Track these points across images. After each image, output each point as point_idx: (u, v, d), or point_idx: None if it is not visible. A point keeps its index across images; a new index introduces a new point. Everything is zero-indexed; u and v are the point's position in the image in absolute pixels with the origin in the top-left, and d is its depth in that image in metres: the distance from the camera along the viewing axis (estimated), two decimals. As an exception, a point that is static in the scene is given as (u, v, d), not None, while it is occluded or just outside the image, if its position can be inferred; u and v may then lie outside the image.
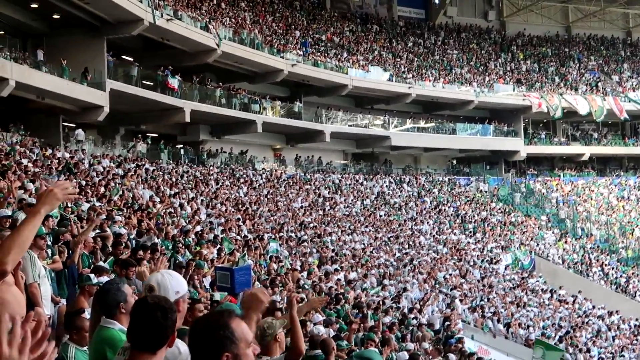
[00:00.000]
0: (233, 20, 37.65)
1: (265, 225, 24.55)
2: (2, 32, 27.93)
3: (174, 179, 26.17)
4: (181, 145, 35.32)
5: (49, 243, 9.23)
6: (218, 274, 6.99)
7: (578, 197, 48.11)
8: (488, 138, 47.73)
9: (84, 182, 18.30)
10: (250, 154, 37.57)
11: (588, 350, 26.47)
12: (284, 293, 13.45)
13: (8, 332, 1.95)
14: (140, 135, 32.07)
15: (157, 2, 29.22)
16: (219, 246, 16.26)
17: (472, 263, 31.91)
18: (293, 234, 24.87)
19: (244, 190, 29.80)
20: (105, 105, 27.54)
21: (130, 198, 18.99)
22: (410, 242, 31.67)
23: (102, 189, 18.34)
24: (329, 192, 35.73)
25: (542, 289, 32.88)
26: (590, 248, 41.75)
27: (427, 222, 36.26)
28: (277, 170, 36.93)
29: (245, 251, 17.07)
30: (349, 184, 38.98)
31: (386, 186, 40.78)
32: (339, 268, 21.42)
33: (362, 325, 13.61)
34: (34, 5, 27.27)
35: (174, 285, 3.58)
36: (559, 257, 39.45)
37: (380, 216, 34.69)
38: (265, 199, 29.52)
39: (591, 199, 48.21)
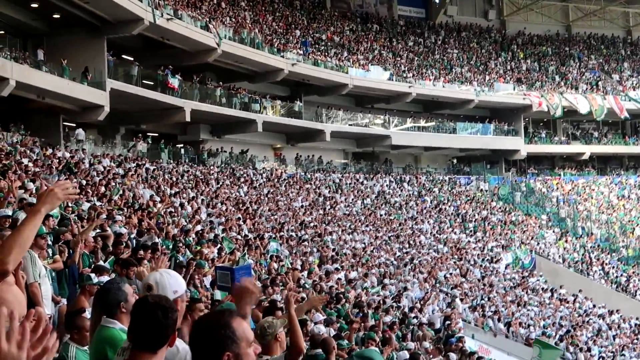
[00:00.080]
0: (233, 19, 37.65)
1: (265, 225, 24.55)
2: (2, 32, 27.93)
3: (174, 179, 26.18)
4: (181, 145, 35.33)
5: (50, 242, 9.23)
6: (218, 274, 7.00)
7: (578, 196, 48.11)
8: (488, 137, 47.71)
9: (84, 182, 18.31)
10: (250, 153, 37.57)
11: (589, 350, 26.48)
12: (285, 292, 13.46)
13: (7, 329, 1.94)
14: (140, 135, 32.07)
15: (157, 1, 29.22)
16: (219, 245, 16.26)
17: (472, 262, 31.91)
18: (293, 233, 24.88)
19: (244, 189, 29.80)
20: (106, 104, 27.53)
21: (130, 197, 18.99)
22: (411, 242, 31.67)
23: (103, 189, 18.35)
24: (329, 192, 35.73)
25: (542, 288, 32.89)
26: (590, 247, 41.75)
27: (428, 222, 36.26)
28: (277, 170, 36.93)
29: (246, 250, 17.07)
30: (350, 183, 38.98)
31: (386, 185, 40.78)
32: (339, 267, 21.42)
33: (362, 324, 13.61)
34: (34, 5, 27.27)
35: (172, 284, 3.57)
36: (559, 256, 39.46)
37: (381, 215, 34.69)
38: (266, 199, 29.53)
39: (591, 198, 48.20)
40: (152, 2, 28.60)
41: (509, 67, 52.67)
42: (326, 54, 42.18)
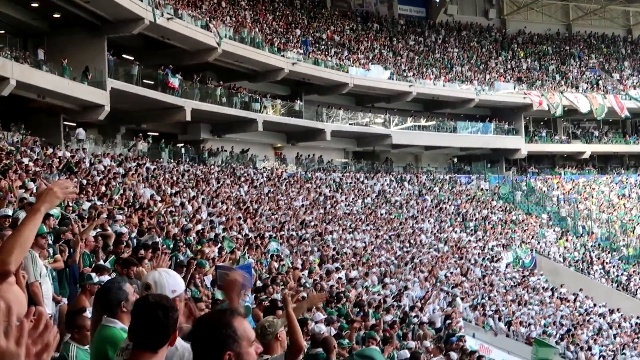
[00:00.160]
0: (233, 19, 37.64)
1: (266, 224, 24.55)
2: (2, 32, 27.92)
3: (174, 178, 26.19)
4: (182, 144, 35.33)
5: (50, 242, 9.23)
6: (219, 273, 7.01)
7: (579, 195, 48.10)
8: (489, 136, 47.69)
9: (84, 181, 18.31)
10: (251, 152, 37.56)
11: (589, 348, 26.49)
12: (286, 292, 13.46)
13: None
14: (141, 134, 32.06)
15: (157, 1, 29.21)
16: (219, 245, 16.27)
17: (473, 261, 31.92)
18: (294, 233, 24.88)
19: (244, 189, 29.81)
20: (106, 104, 27.53)
21: (131, 197, 18.99)
22: (411, 241, 31.67)
23: (103, 188, 18.35)
24: (329, 191, 35.73)
25: (543, 287, 32.90)
26: (591, 246, 41.74)
27: (428, 221, 36.26)
28: (278, 169, 36.94)
29: (246, 250, 17.07)
30: (350, 183, 38.98)
31: (387, 184, 40.78)
32: (340, 266, 21.42)
33: (363, 323, 13.61)
34: (35, 5, 27.26)
35: (171, 283, 3.56)
36: (560, 255, 39.45)
37: (381, 214, 34.69)
38: (266, 198, 29.53)
39: (592, 197, 48.20)
40: (153, 1, 28.60)
41: (509, 66, 52.66)
42: (326, 53, 42.17)
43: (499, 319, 25.72)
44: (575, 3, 58.23)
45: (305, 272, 18.52)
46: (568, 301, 31.88)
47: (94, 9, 27.25)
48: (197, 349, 2.69)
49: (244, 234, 20.61)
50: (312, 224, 27.76)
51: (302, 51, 39.70)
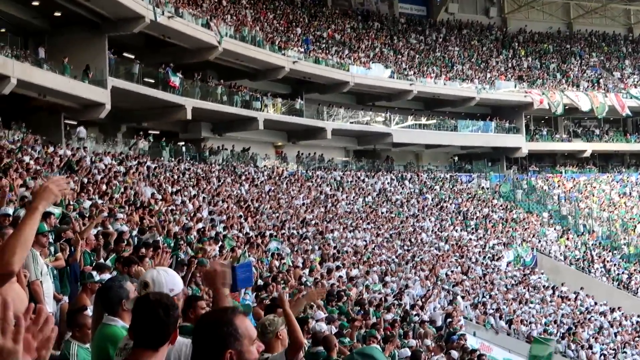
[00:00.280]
0: (234, 17, 37.63)
1: (267, 223, 24.54)
2: (3, 30, 27.92)
3: (175, 177, 26.18)
4: (183, 143, 35.33)
5: (51, 240, 9.23)
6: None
7: (580, 193, 48.09)
8: (490, 135, 47.68)
9: (85, 180, 18.31)
10: (251, 151, 37.56)
11: (590, 347, 26.49)
12: (286, 290, 13.46)
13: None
14: (141, 133, 32.06)
15: (158, -1, 29.21)
16: (220, 243, 16.27)
17: (474, 260, 31.92)
18: (295, 231, 24.88)
19: (245, 187, 29.81)
20: (107, 102, 27.53)
21: (132, 195, 18.99)
22: (412, 239, 31.68)
23: (104, 187, 18.35)
24: (330, 189, 35.73)
25: (544, 286, 32.90)
26: (592, 245, 41.74)
27: (429, 219, 36.26)
28: (278, 168, 36.93)
29: (246, 248, 17.07)
30: (351, 181, 38.99)
31: (388, 183, 40.78)
32: (340, 265, 21.42)
33: (364, 322, 13.61)
34: (36, 3, 27.26)
35: (168, 282, 3.56)
36: (560, 253, 39.45)
37: (382, 213, 34.69)
38: (267, 196, 29.52)
39: (593, 196, 48.19)
40: (153, 0, 28.59)
41: (510, 65, 52.64)
42: (327, 51, 42.17)
43: (500, 318, 25.72)
44: (576, 1, 58.21)
45: (306, 271, 18.53)
46: (569, 300, 31.88)
47: (95, 7, 27.25)
48: (199, 347, 2.68)
49: (244, 232, 20.60)
50: (313, 222, 27.76)
51: (302, 50, 39.70)
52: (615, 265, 39.59)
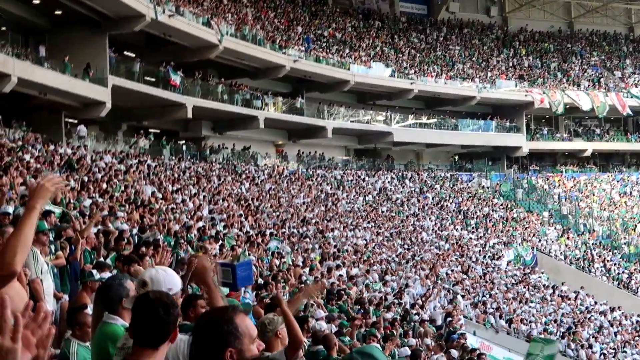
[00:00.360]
0: (235, 16, 37.62)
1: (267, 221, 24.54)
2: (4, 28, 27.93)
3: (176, 175, 26.18)
4: (183, 141, 35.32)
5: (51, 239, 9.23)
6: (219, 270, 6.98)
7: (580, 193, 48.09)
8: (490, 134, 47.69)
9: (86, 178, 18.32)
10: (252, 150, 37.56)
11: (590, 346, 26.49)
12: (287, 290, 13.47)
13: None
14: (142, 131, 32.04)
15: (159, -2, 29.19)
16: (220, 242, 16.27)
17: (474, 259, 31.94)
18: (295, 230, 24.87)
19: (246, 186, 29.81)
20: (107, 101, 27.53)
21: (132, 194, 18.99)
22: (412, 238, 31.69)
23: (104, 185, 18.35)
24: (331, 188, 35.74)
25: (544, 285, 32.90)
26: (592, 244, 41.74)
27: (429, 218, 36.27)
28: (279, 166, 36.93)
29: (246, 247, 17.06)
30: (351, 180, 38.99)
31: (388, 182, 40.79)
32: (340, 264, 21.42)
33: (364, 321, 13.61)
34: (36, 2, 27.25)
35: (167, 281, 3.55)
36: (561, 253, 39.45)
37: (382, 212, 34.69)
38: (268, 195, 29.52)
39: (593, 195, 48.18)
40: (154, -2, 28.59)
41: (510, 64, 52.63)
42: (328, 50, 42.16)
43: (500, 317, 25.72)
44: (577, 1, 58.20)
45: (306, 270, 18.53)
46: (569, 299, 31.88)
47: (96, 6, 27.23)
48: (199, 346, 2.68)
49: (245, 231, 20.60)
50: (313, 221, 27.76)
51: (303, 48, 39.69)
52: (615, 264, 39.59)
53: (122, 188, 19.13)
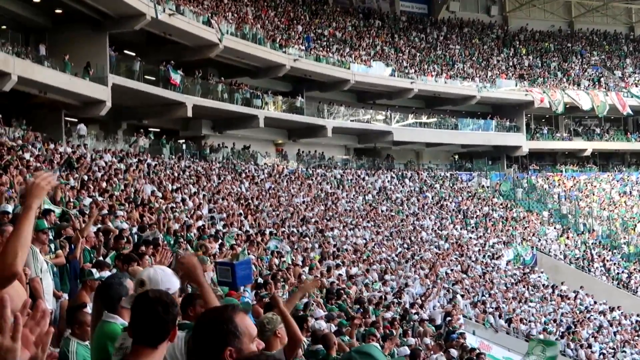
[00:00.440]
0: (235, 15, 37.61)
1: (267, 221, 24.55)
2: (4, 27, 27.92)
3: (175, 174, 26.18)
4: (183, 140, 35.32)
5: (51, 238, 9.24)
6: (219, 270, 6.99)
7: (580, 192, 48.10)
8: (490, 133, 47.68)
9: (85, 177, 18.32)
10: (252, 149, 37.56)
11: (589, 346, 26.51)
12: (286, 288, 13.47)
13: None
14: (142, 130, 32.03)
15: (159, -4, 29.18)
16: (220, 241, 16.28)
17: (473, 258, 31.94)
18: (295, 229, 24.88)
19: (245, 185, 29.81)
20: (108, 100, 27.52)
21: (132, 193, 19.00)
22: (412, 238, 31.69)
23: (104, 184, 18.36)
24: (330, 187, 35.74)
25: (543, 285, 32.91)
26: (592, 244, 41.75)
27: (429, 218, 36.28)
28: (279, 166, 36.93)
29: (246, 246, 17.06)
30: (351, 179, 38.99)
31: (388, 181, 40.79)
32: (340, 263, 21.43)
33: (363, 320, 13.61)
34: (37, 0, 27.26)
35: (165, 281, 3.55)
36: (560, 252, 39.46)
37: (382, 211, 34.70)
38: (267, 194, 29.53)
39: (593, 195, 48.19)
40: (154, -3, 28.57)
41: (511, 63, 52.62)
42: (328, 49, 42.15)
43: (500, 316, 25.73)
44: (577, 0, 58.16)
45: (306, 269, 18.53)
46: (568, 299, 31.89)
47: (96, 4, 27.22)
48: (199, 345, 2.69)
49: (244, 230, 20.61)
50: (313, 220, 27.77)
51: (303, 47, 39.68)
52: (615, 264, 39.60)
53: (122, 187, 19.13)
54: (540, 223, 42.80)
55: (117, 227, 12.19)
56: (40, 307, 2.02)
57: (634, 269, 39.32)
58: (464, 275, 28.40)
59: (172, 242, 13.81)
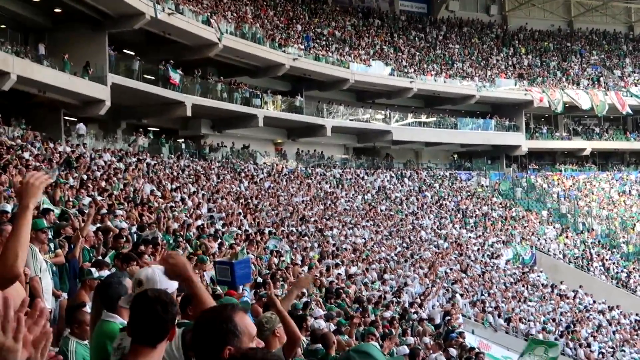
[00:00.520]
0: (235, 14, 37.60)
1: (266, 220, 24.55)
2: (4, 26, 27.92)
3: (175, 173, 26.17)
4: (182, 140, 35.32)
5: (50, 237, 9.24)
6: (218, 269, 6.99)
7: (579, 191, 48.11)
8: (489, 133, 47.70)
9: (85, 177, 18.31)
10: (251, 148, 37.57)
11: (589, 345, 26.52)
12: (285, 288, 13.47)
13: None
14: (141, 130, 32.05)
15: (158, -4, 29.17)
16: (219, 240, 16.28)
17: (473, 258, 31.95)
18: (294, 229, 24.88)
19: (245, 184, 29.82)
20: (107, 99, 27.52)
21: (131, 192, 19.00)
22: (411, 237, 31.69)
23: (103, 183, 18.36)
24: (330, 187, 35.74)
25: (542, 284, 32.91)
26: (591, 243, 41.78)
27: (428, 217, 36.28)
28: (278, 165, 36.93)
29: (245, 245, 17.06)
30: (350, 179, 38.99)
31: (387, 181, 40.79)
32: (339, 262, 21.43)
33: (362, 319, 13.62)
34: (36, 0, 27.25)
35: (163, 281, 3.54)
36: (559, 252, 39.48)
37: (382, 211, 34.70)
38: (267, 194, 29.53)
39: (592, 194, 48.21)
40: (154, -4, 28.56)
41: (510, 63, 52.62)
42: (327, 49, 42.14)
43: (499, 316, 25.75)
44: None
45: (305, 268, 18.53)
46: (567, 298, 31.91)
47: (96, 4, 27.22)
48: (198, 344, 2.69)
49: (243, 229, 20.61)
50: (312, 219, 27.77)
51: (303, 47, 39.67)
52: (614, 263, 39.63)
53: (121, 186, 19.13)
54: (539, 222, 42.82)
55: (116, 227, 12.19)
56: (39, 306, 2.03)
57: (633, 268, 39.35)
58: (463, 275, 28.41)
59: (171, 241, 13.80)
